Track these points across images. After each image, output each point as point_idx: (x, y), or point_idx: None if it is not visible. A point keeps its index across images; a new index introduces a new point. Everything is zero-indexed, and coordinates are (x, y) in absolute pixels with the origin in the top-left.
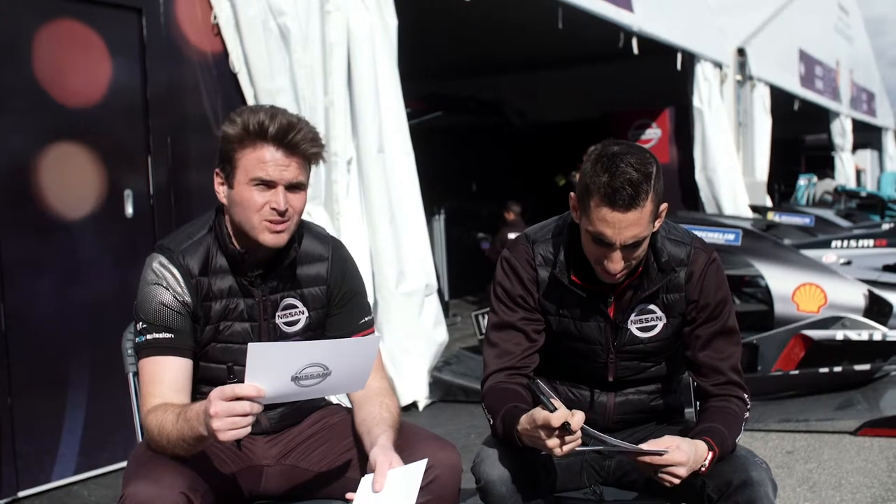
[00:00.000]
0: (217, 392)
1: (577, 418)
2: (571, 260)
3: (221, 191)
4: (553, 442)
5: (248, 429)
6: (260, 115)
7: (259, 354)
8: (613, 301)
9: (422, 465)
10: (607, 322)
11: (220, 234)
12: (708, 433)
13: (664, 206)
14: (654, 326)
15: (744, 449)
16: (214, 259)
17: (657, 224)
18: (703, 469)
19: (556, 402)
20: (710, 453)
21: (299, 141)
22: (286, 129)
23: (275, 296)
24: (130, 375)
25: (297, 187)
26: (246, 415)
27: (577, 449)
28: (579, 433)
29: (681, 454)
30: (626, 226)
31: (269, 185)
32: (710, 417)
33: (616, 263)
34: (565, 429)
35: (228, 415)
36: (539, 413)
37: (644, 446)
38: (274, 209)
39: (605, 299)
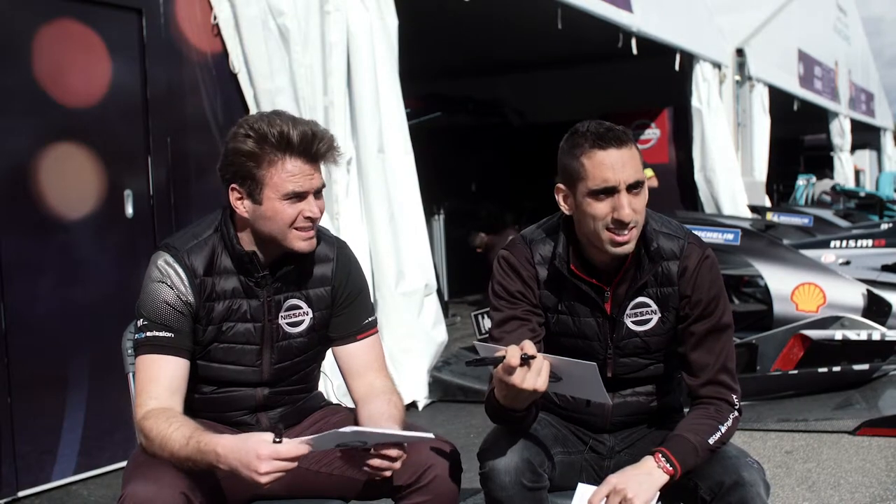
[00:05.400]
0: (270, 453)
1: (528, 346)
2: (569, 253)
3: (242, 206)
4: (529, 381)
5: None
6: (277, 124)
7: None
8: (610, 295)
9: (427, 434)
10: (604, 317)
11: (225, 234)
12: (667, 443)
13: (650, 172)
14: (650, 320)
15: (735, 449)
16: (219, 259)
17: (645, 192)
18: (670, 471)
19: (500, 352)
20: (665, 464)
21: (325, 150)
22: (310, 139)
23: (279, 296)
24: (130, 375)
25: (320, 190)
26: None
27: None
28: (540, 355)
29: (606, 486)
30: (625, 162)
31: (300, 196)
32: (680, 426)
33: (626, 210)
34: (526, 360)
35: (277, 470)
36: (497, 371)
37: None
38: (308, 217)
39: (602, 293)
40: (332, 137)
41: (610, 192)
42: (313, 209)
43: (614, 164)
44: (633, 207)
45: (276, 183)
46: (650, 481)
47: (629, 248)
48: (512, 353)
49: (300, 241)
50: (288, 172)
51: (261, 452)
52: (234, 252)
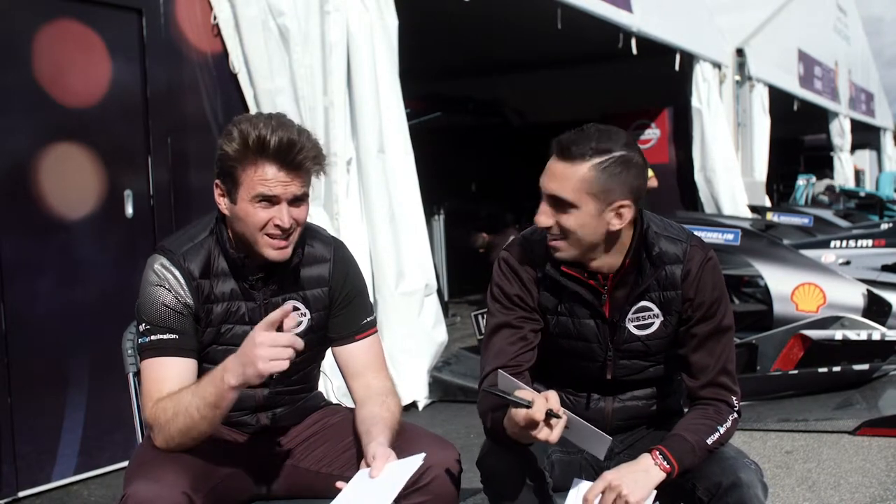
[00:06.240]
0: (261, 324)
1: (553, 400)
2: None
3: (223, 202)
4: (544, 433)
5: (287, 363)
6: (260, 128)
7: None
8: (607, 298)
9: (419, 458)
10: (603, 321)
11: (220, 237)
12: (665, 441)
13: (625, 203)
14: (652, 324)
15: (734, 450)
16: (216, 262)
17: (612, 220)
18: (666, 468)
19: (526, 394)
20: (662, 461)
21: (302, 160)
22: (288, 146)
23: (276, 298)
24: (130, 375)
25: (299, 199)
26: (287, 346)
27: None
28: (564, 415)
29: (602, 482)
30: (555, 174)
31: (271, 200)
32: (679, 426)
33: (540, 215)
34: (550, 415)
35: (272, 344)
36: (518, 414)
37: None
38: (277, 225)
39: (599, 296)
40: (314, 148)
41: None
42: (283, 217)
43: (548, 170)
44: (551, 217)
45: (248, 184)
46: (646, 479)
47: (564, 255)
48: (538, 408)
49: (269, 249)
50: (259, 176)
51: (256, 339)
52: (228, 255)
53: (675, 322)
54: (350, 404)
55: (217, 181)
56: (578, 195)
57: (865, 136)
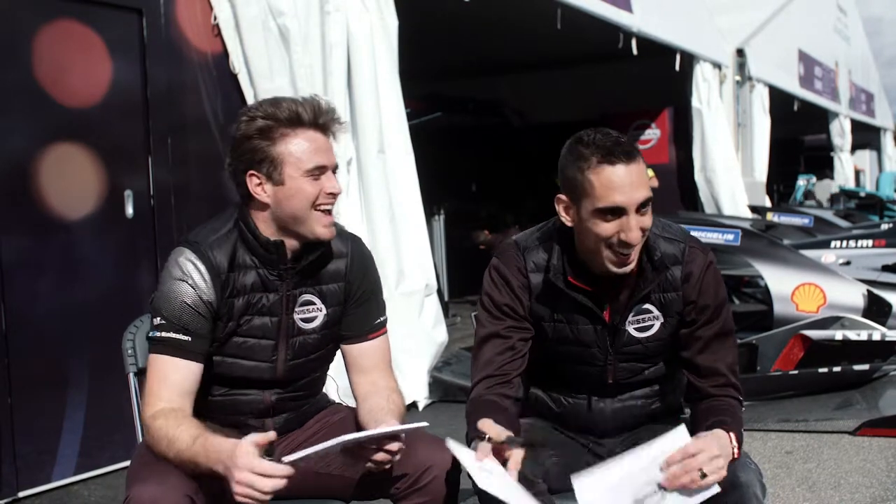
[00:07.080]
0: (248, 460)
1: (511, 470)
2: (566, 263)
3: (262, 191)
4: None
5: (267, 498)
6: (284, 105)
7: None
8: (609, 304)
9: (420, 425)
10: (604, 325)
11: (244, 229)
12: (721, 425)
13: (650, 173)
14: (652, 326)
15: None
16: (239, 254)
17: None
18: (735, 454)
19: (496, 433)
20: (733, 435)
21: (331, 121)
22: (318, 110)
23: (295, 291)
24: (131, 375)
25: (336, 169)
26: (266, 492)
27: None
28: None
29: (699, 444)
30: (634, 179)
31: (322, 170)
32: (717, 413)
33: (634, 231)
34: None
35: (250, 487)
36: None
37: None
38: (331, 193)
39: (600, 303)
40: (335, 109)
41: (618, 212)
42: (334, 183)
43: (624, 183)
44: (641, 227)
45: (295, 159)
46: (720, 442)
47: (631, 267)
48: (476, 456)
49: (320, 227)
50: (305, 147)
51: (238, 461)
52: (259, 243)
53: (674, 324)
54: (353, 403)
55: (251, 171)
56: (649, 188)
57: (865, 137)
